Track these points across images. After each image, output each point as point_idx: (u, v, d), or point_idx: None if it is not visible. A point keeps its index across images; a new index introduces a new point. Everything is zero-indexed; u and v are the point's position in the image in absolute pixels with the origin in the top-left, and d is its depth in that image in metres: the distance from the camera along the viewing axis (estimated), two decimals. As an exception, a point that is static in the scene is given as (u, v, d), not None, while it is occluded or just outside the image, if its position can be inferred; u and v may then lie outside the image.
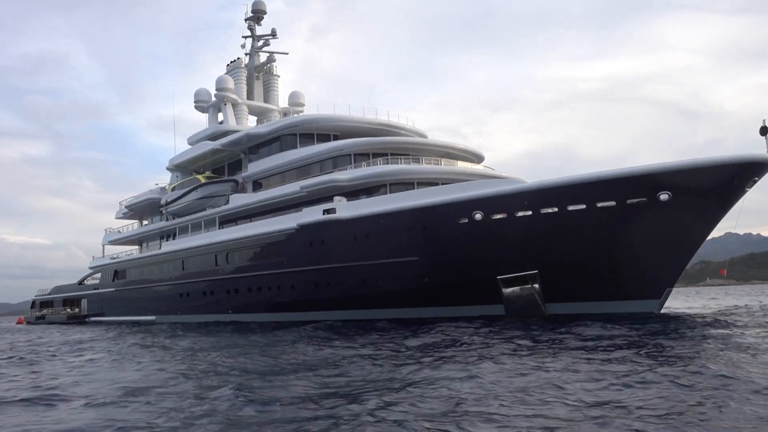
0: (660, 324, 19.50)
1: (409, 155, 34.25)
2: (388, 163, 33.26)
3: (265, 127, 39.43)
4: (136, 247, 54.85)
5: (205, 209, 42.48)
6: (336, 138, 37.38)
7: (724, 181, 23.48)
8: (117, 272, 53.34)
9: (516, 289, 27.55)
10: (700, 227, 24.82)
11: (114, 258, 55.24)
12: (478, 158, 37.02)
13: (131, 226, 55.01)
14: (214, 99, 46.80)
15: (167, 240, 47.94)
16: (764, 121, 23.38)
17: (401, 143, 34.98)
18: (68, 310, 61.24)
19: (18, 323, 68.73)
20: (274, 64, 49.67)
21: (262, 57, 49.64)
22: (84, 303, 59.56)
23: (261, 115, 48.76)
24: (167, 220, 47.54)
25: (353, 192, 32.88)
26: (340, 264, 31.28)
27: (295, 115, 46.11)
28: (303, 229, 32.90)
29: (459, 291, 27.99)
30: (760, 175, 23.66)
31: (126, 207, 52.54)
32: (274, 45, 49.59)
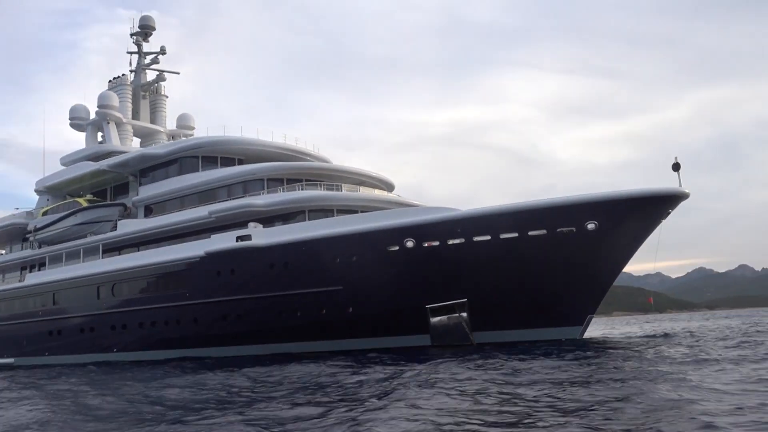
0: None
1: (323, 182, 33.19)
2: (303, 189, 31.97)
3: (162, 148, 36.42)
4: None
5: (85, 236, 38.08)
6: (241, 162, 35.37)
7: (644, 213, 25.04)
8: (-37, 309, 46.09)
9: (443, 318, 27.18)
10: (620, 257, 26.22)
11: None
12: (389, 186, 36.80)
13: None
14: (94, 116, 42.65)
15: (31, 270, 42.37)
16: (675, 158, 25.35)
17: (316, 169, 33.89)
18: None
19: None
20: (162, 83, 46.50)
21: (150, 75, 46.31)
22: None
23: (146, 136, 45.23)
24: (33, 247, 42.07)
25: (268, 218, 31.09)
26: (254, 294, 29.23)
27: (186, 137, 43.27)
28: (211, 257, 30.41)
29: (386, 321, 27.13)
30: (673, 207, 25.55)
31: (-21, 233, 45.82)
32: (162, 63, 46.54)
